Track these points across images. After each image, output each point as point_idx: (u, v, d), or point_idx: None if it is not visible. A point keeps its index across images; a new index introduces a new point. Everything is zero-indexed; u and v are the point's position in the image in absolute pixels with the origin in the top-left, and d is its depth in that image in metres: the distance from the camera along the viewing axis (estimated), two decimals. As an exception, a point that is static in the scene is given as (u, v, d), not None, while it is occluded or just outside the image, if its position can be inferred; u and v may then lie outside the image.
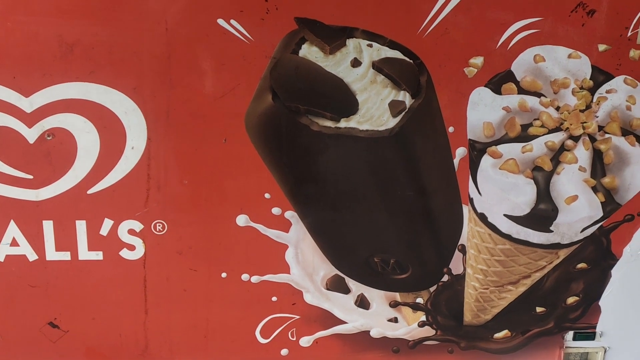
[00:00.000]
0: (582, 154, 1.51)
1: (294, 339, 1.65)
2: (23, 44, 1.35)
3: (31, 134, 1.41)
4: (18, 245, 1.50)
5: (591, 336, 1.72)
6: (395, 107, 1.45)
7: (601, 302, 1.69)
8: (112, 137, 1.43)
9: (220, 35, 1.38)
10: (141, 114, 1.42)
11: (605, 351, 1.74)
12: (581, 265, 1.65)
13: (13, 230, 1.48)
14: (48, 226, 1.48)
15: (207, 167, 1.48)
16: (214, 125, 1.45)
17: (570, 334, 1.71)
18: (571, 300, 1.68)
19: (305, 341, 1.65)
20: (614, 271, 1.66)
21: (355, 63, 1.44)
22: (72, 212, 1.48)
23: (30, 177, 1.44)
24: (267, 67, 1.41)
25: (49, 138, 1.42)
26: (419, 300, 1.65)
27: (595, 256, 1.64)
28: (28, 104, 1.39)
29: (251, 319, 1.63)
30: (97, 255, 1.52)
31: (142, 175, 1.47)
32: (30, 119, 1.40)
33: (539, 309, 1.68)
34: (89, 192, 1.47)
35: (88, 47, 1.36)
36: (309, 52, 1.42)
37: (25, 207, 1.47)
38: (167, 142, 1.45)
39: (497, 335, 1.70)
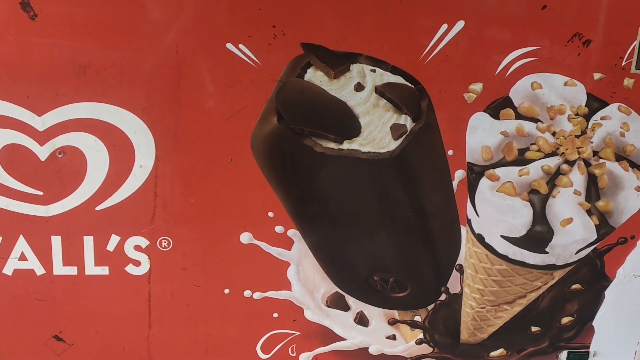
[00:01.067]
0: (577, 178, 1.55)
1: (294, 354, 1.67)
2: (37, 64, 1.38)
3: (43, 152, 1.44)
4: (26, 260, 1.51)
5: (585, 356, 1.73)
6: (396, 130, 1.48)
7: (595, 323, 1.71)
8: (121, 156, 1.46)
9: (228, 59, 1.41)
10: (150, 134, 1.45)
11: None
12: (576, 286, 1.67)
13: (22, 245, 1.50)
14: (56, 241, 1.50)
15: (213, 186, 1.50)
16: (220, 145, 1.48)
17: (564, 353, 1.73)
18: (566, 320, 1.70)
19: (305, 357, 1.67)
20: (607, 292, 1.68)
21: (359, 87, 1.47)
22: (80, 227, 1.50)
23: (41, 193, 1.47)
24: (274, 90, 1.44)
25: (60, 156, 1.44)
26: (417, 318, 1.67)
27: (590, 277, 1.66)
28: (41, 122, 1.42)
29: (252, 334, 1.64)
30: (104, 270, 1.54)
31: (149, 193, 1.49)
32: (42, 137, 1.43)
33: (534, 329, 1.70)
34: (97, 208, 1.49)
35: (100, 68, 1.39)
36: (314, 76, 1.46)
37: (34, 222, 1.49)
38: (175, 161, 1.48)
39: (493, 353, 1.71)
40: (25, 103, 1.40)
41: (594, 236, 1.58)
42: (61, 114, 1.42)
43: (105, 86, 1.41)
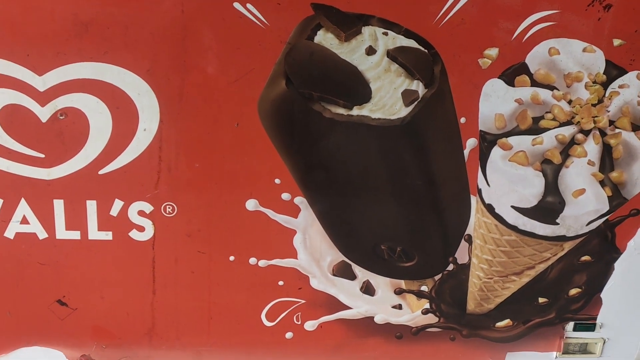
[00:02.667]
0: (591, 148, 1.52)
1: (299, 322, 1.67)
2: (37, 21, 1.33)
3: (44, 113, 1.41)
4: (28, 224, 1.50)
5: (591, 327, 1.73)
6: (408, 96, 1.45)
7: (603, 295, 1.71)
8: (125, 119, 1.43)
9: (236, 19, 1.37)
10: (154, 96, 1.41)
11: (604, 342, 1.76)
12: (585, 257, 1.66)
13: (24, 208, 1.49)
14: (59, 205, 1.49)
15: (219, 151, 1.48)
16: (226, 109, 1.44)
17: (570, 325, 1.73)
18: (574, 291, 1.70)
19: (310, 325, 1.67)
20: (617, 264, 1.67)
21: (370, 51, 1.43)
22: (83, 192, 1.48)
23: (42, 155, 1.44)
24: (282, 53, 1.40)
25: (61, 117, 1.41)
26: (424, 288, 1.67)
27: (600, 249, 1.65)
28: (41, 82, 1.38)
29: (257, 302, 1.64)
30: (107, 236, 1.53)
31: (153, 158, 1.47)
32: (43, 97, 1.40)
33: (541, 300, 1.70)
34: (100, 172, 1.47)
35: (103, 26, 1.35)
36: (324, 38, 1.42)
37: (36, 185, 1.46)
38: (180, 125, 1.45)
39: (499, 324, 1.72)
40: (25, 62, 1.37)
41: (606, 208, 1.57)
42: (62, 73, 1.38)
43: (108, 45, 1.37)
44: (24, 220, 1.50)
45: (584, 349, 1.77)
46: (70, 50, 1.36)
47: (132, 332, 1.63)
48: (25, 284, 1.56)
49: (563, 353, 1.76)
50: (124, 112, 1.42)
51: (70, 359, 1.65)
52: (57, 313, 1.60)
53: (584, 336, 1.75)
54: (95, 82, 1.39)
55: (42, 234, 1.52)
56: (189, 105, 1.43)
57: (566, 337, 1.74)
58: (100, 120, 1.42)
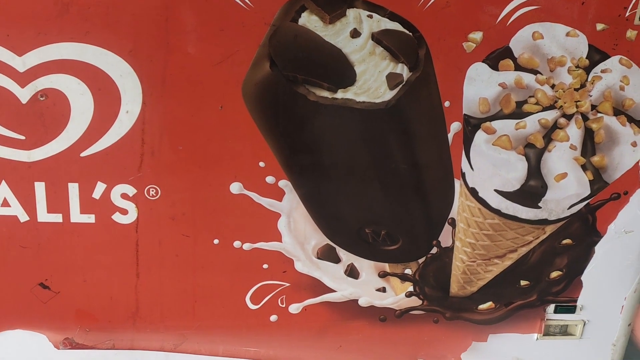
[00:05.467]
0: (574, 132, 1.52)
1: (284, 305, 1.67)
2: (17, 1, 1.31)
3: (24, 94, 1.38)
4: (9, 206, 1.48)
5: (572, 309, 1.75)
6: (392, 79, 1.44)
7: (583, 277, 1.72)
8: (107, 100, 1.41)
9: (219, 0, 1.35)
10: (137, 78, 1.39)
11: (584, 324, 1.78)
12: (566, 241, 1.67)
13: (4, 190, 1.46)
14: (40, 188, 1.47)
15: (202, 134, 1.46)
16: (210, 91, 1.43)
17: (551, 307, 1.74)
18: (555, 274, 1.71)
19: (295, 308, 1.67)
20: (597, 247, 1.69)
21: (355, 34, 1.42)
22: (65, 174, 1.46)
23: (23, 137, 1.42)
24: (266, 35, 1.38)
25: (42, 99, 1.39)
26: (408, 271, 1.67)
27: (581, 233, 1.66)
28: (21, 63, 1.36)
29: (242, 285, 1.64)
30: (89, 219, 1.51)
31: (136, 140, 1.45)
32: (23, 78, 1.37)
33: (523, 282, 1.71)
34: (82, 154, 1.45)
35: (84, 6, 1.32)
36: (309, 20, 1.40)
37: (16, 168, 1.44)
38: (163, 107, 1.43)
39: (482, 306, 1.73)
40: (4, 42, 1.34)
41: (588, 191, 1.58)
42: (43, 54, 1.35)
43: (89, 25, 1.34)
44: (4, 203, 1.48)
45: (564, 331, 1.79)
46: (50, 31, 1.33)
47: (115, 315, 1.63)
48: (7, 267, 1.54)
49: (544, 335, 1.77)
50: (105, 94, 1.40)
51: (53, 342, 1.64)
52: (39, 296, 1.58)
53: (564, 318, 1.76)
54: (77, 62, 1.37)
55: (24, 217, 1.50)
56: (172, 87, 1.41)
57: (547, 319, 1.76)
58: (81, 102, 1.40)
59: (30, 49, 1.35)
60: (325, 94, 1.43)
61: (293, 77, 1.41)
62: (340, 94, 1.43)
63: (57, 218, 1.50)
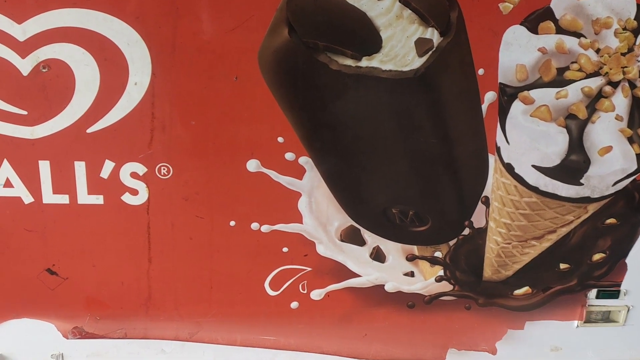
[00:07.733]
0: (620, 101, 1.46)
1: (305, 291, 1.63)
2: (14, -37, 1.27)
3: (25, 65, 1.34)
4: (12, 187, 1.45)
5: (615, 294, 1.72)
6: (421, 45, 1.38)
7: (628, 260, 1.69)
8: (114, 71, 1.36)
9: (233, -41, 1.30)
10: (145, 47, 1.35)
11: (628, 310, 1.74)
12: (610, 220, 1.63)
13: (7, 170, 1.43)
14: (44, 167, 1.43)
15: (216, 107, 1.42)
16: (224, 61, 1.38)
17: (593, 292, 1.71)
18: (597, 257, 1.67)
19: (317, 294, 1.64)
20: (644, 228, 1.66)
21: (381, -5, 1.36)
22: (71, 152, 1.42)
23: (25, 112, 1.38)
24: (284, -3, 1.34)
25: (44, 70, 1.35)
26: (438, 254, 1.63)
27: (626, 211, 1.62)
28: (21, 31, 1.31)
29: (260, 270, 1.60)
30: (98, 199, 1.47)
31: (145, 114, 1.40)
32: (23, 48, 1.32)
33: (562, 266, 1.67)
34: (89, 131, 1.41)
35: (87, -32, 1.28)
36: (330, -19, 1.35)
37: (19, 145, 1.40)
38: (173, 79, 1.38)
39: (518, 291, 1.69)
40: (2, 8, 1.29)
41: (634, 167, 1.53)
42: (44, 21, 1.31)
43: (93, -11, 1.30)
44: (7, 184, 1.45)
45: (606, 317, 1.77)
46: (51, -5, 1.30)
47: (127, 302, 1.60)
48: (12, 252, 1.52)
49: (585, 322, 1.75)
50: (112, 64, 1.36)
51: (62, 331, 1.62)
52: (46, 283, 1.56)
53: (607, 304, 1.74)
54: (80, 30, 1.32)
55: (28, 198, 1.47)
56: (183, 56, 1.37)
57: (588, 305, 1.73)
58: (86, 73, 1.36)
59: (30, 16, 1.31)
60: (349, 62, 1.38)
61: (313, 44, 1.36)
62: (364, 62, 1.38)
63: (64, 199, 1.47)
